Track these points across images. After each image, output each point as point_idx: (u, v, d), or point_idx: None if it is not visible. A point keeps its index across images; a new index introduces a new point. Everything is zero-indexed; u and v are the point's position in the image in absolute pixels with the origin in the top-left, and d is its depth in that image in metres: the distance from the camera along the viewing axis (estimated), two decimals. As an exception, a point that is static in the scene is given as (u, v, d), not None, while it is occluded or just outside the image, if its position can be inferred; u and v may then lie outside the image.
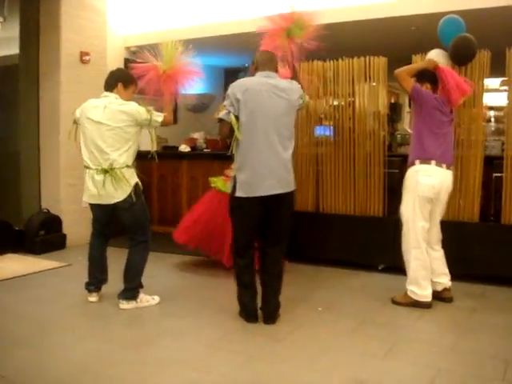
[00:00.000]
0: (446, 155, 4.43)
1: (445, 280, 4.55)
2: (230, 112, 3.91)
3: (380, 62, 5.48)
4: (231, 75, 10.15)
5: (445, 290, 4.54)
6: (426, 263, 4.41)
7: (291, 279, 4.16)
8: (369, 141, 5.59)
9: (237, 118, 3.90)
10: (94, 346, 3.71)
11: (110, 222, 4.62)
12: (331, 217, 5.78)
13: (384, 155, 5.54)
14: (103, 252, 4.68)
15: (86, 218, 4.62)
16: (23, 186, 7.12)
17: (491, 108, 7.67)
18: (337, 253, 5.71)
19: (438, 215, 4.51)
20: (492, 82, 6.50)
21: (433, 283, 4.53)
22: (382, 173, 5.54)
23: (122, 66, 6.89)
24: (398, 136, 7.82)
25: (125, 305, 4.43)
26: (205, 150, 7.71)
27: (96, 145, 4.29)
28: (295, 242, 5.00)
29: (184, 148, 7.52)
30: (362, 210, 5.66)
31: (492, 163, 5.24)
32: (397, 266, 4.64)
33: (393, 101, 11.91)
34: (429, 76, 4.51)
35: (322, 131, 5.89)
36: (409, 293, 4.44)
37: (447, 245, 4.59)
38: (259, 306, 4.10)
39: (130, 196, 4.31)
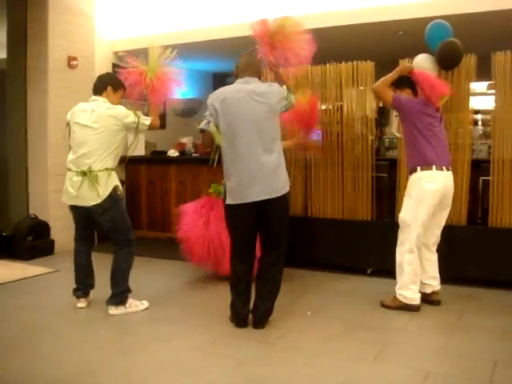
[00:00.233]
0: (444, 156, 4.45)
1: (435, 283, 4.57)
2: (209, 122, 3.95)
3: (367, 67, 5.51)
4: (220, 80, 10.16)
5: (433, 293, 4.56)
6: (418, 268, 4.43)
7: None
8: (357, 145, 5.61)
9: (217, 127, 3.93)
10: (83, 352, 3.69)
11: (88, 225, 4.60)
12: (320, 221, 5.79)
13: (372, 159, 5.56)
14: (88, 257, 4.66)
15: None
16: (11, 192, 7.09)
17: (478, 112, 7.71)
18: (325, 257, 5.72)
19: (443, 218, 4.54)
20: (478, 86, 6.53)
21: (422, 285, 4.55)
22: (370, 177, 5.56)
23: (109, 70, 6.87)
24: (386, 140, 7.83)
25: (113, 310, 4.41)
26: (193, 155, 7.70)
27: (80, 148, 4.31)
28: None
29: (173, 153, 7.51)
30: (351, 214, 5.67)
31: (479, 166, 5.27)
32: (385, 270, 4.66)
33: (381, 105, 11.93)
34: (407, 82, 4.55)
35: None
36: (398, 296, 4.45)
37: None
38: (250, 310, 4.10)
39: (106, 200, 4.29)
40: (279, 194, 3.91)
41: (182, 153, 7.66)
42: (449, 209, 4.54)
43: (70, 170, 4.39)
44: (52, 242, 6.70)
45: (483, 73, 5.10)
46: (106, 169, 4.31)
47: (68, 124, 4.53)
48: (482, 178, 5.30)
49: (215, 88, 10.16)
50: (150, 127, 4.51)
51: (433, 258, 4.58)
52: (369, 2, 6.05)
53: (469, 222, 5.24)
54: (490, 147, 5.49)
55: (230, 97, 3.93)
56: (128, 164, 6.84)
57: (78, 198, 4.34)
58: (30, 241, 6.46)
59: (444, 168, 4.41)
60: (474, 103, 5.61)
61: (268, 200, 3.87)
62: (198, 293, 5.10)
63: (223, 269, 4.97)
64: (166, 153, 7.63)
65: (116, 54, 7.71)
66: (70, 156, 4.40)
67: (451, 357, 3.57)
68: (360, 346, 3.76)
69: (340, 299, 4.83)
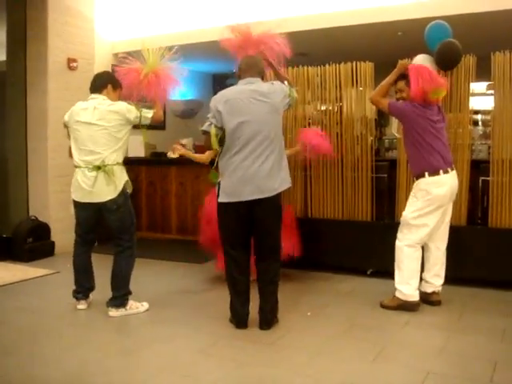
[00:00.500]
0: (447, 157, 4.46)
1: (437, 282, 4.57)
2: (211, 124, 3.97)
3: (367, 67, 5.51)
4: (219, 81, 10.19)
5: (433, 293, 4.57)
6: (418, 264, 4.44)
7: (280, 284, 4.16)
8: (357, 146, 5.61)
9: (220, 129, 3.94)
10: (83, 354, 3.69)
11: (95, 227, 4.60)
12: (320, 221, 5.79)
13: (372, 160, 5.56)
14: (88, 259, 4.66)
15: (74, 225, 4.60)
16: (11, 193, 7.09)
17: (477, 112, 7.72)
18: (325, 257, 5.71)
19: (449, 214, 4.56)
20: (478, 86, 6.54)
21: (424, 284, 4.56)
22: (369, 177, 5.56)
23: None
24: (386, 141, 7.86)
25: (114, 312, 4.41)
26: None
27: (87, 146, 4.31)
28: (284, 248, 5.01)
29: (171, 154, 7.49)
30: (351, 215, 5.67)
31: (479, 167, 5.27)
32: (385, 271, 4.66)
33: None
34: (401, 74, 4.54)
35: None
36: (397, 293, 4.46)
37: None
38: (257, 311, 4.10)
39: (120, 195, 4.32)
40: (272, 194, 3.92)
41: (182, 154, 7.64)
42: (452, 203, 4.56)
43: (79, 166, 4.37)
44: (52, 244, 6.70)
45: (483, 73, 5.10)
46: (118, 163, 4.35)
47: (66, 125, 4.53)
48: (481, 178, 5.30)
49: (215, 89, 10.25)
50: (153, 120, 4.53)
51: (440, 254, 4.58)
52: (368, 3, 6.06)
53: (469, 222, 5.24)
54: (489, 147, 5.50)
55: (233, 98, 3.95)
56: (128, 165, 6.87)
57: (92, 194, 4.33)
58: (30, 242, 6.46)
59: (449, 170, 4.43)
60: (474, 103, 5.61)
61: (261, 199, 3.88)
62: (199, 294, 5.11)
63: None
64: (165, 154, 7.61)
65: (116, 55, 7.71)
66: (76, 154, 4.39)
67: (451, 357, 3.57)
68: (360, 345, 3.76)
69: (340, 299, 4.83)
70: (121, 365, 3.50)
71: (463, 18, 5.45)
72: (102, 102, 4.36)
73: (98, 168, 4.28)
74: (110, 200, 4.31)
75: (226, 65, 8.74)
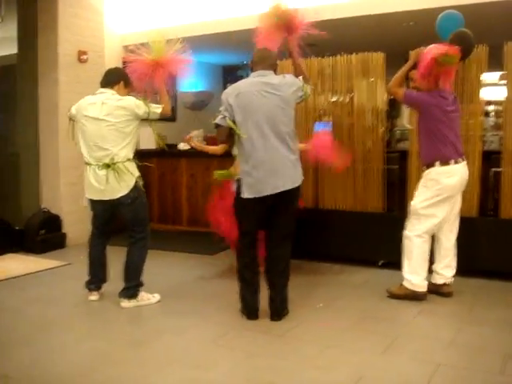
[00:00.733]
0: (458, 147, 4.45)
1: (448, 274, 4.56)
2: (225, 117, 3.96)
3: (378, 58, 5.48)
4: (229, 72, 10.16)
5: (445, 284, 4.55)
6: (427, 254, 4.45)
7: (290, 276, 4.16)
8: (368, 137, 5.59)
9: (233, 122, 3.94)
10: (95, 344, 3.72)
11: (111, 219, 4.63)
12: (331, 213, 5.79)
13: (383, 151, 5.54)
14: (103, 251, 4.68)
15: (86, 217, 4.64)
16: (23, 186, 7.13)
17: (489, 102, 7.65)
18: (336, 249, 5.71)
19: (459, 205, 4.54)
20: (490, 77, 6.48)
21: (434, 275, 4.55)
22: (381, 169, 5.55)
23: (120, 64, 6.87)
24: (397, 132, 7.81)
25: (126, 303, 4.44)
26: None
27: (95, 141, 4.31)
28: (294, 239, 5.00)
29: (183, 146, 7.51)
30: (362, 206, 5.66)
31: (490, 158, 5.24)
32: (397, 262, 4.64)
33: (392, 96, 11.89)
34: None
35: (321, 128, 5.87)
36: (405, 283, 4.46)
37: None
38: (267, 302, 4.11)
39: (132, 190, 4.33)
40: (293, 186, 3.94)
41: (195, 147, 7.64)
42: (461, 193, 4.54)
43: (89, 163, 4.37)
44: (64, 236, 6.74)
45: (495, 63, 5.05)
46: (128, 159, 4.34)
47: (71, 118, 4.53)
48: (493, 169, 5.26)
49: (225, 81, 10.23)
50: (162, 114, 4.51)
51: (450, 246, 4.56)
52: (379, -7, 6.01)
53: (480, 213, 5.21)
54: (501, 138, 5.46)
55: (244, 91, 3.95)
56: (139, 157, 6.87)
57: (105, 192, 4.33)
58: (43, 234, 6.50)
59: (460, 160, 4.41)
60: (486, 94, 5.56)
61: (283, 192, 3.89)
62: (210, 285, 5.12)
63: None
64: (176, 146, 7.64)
65: (126, 47, 7.71)
66: (85, 150, 4.39)
67: (462, 349, 3.57)
68: (371, 337, 3.76)
69: (351, 291, 4.83)
70: (132, 355, 3.52)
71: (475, 7, 5.38)
72: (110, 97, 4.35)
73: (108, 166, 4.27)
74: (123, 196, 4.32)
75: (235, 56, 8.79)
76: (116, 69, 4.71)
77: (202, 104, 9.41)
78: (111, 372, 3.29)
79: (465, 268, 4.79)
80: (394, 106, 7.29)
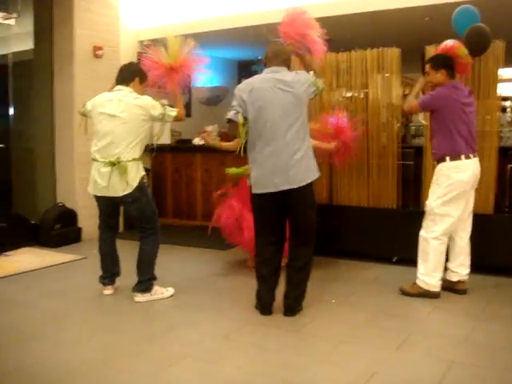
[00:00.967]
0: (472, 143, 4.41)
1: (463, 271, 4.53)
2: (238, 112, 3.95)
3: (393, 53, 5.44)
4: (244, 68, 10.17)
5: (459, 282, 4.53)
6: (443, 256, 4.42)
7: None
8: (383, 132, 5.57)
9: (245, 118, 3.94)
10: (109, 338, 3.75)
11: (115, 215, 4.67)
12: (345, 209, 5.78)
13: (398, 147, 5.52)
14: (113, 245, 4.70)
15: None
16: (38, 181, 7.19)
17: (506, 98, 7.59)
18: (350, 245, 5.71)
19: (472, 203, 4.51)
20: (507, 72, 6.42)
21: (450, 273, 4.53)
22: (395, 164, 5.52)
23: (135, 59, 6.90)
24: (412, 127, 7.76)
25: (139, 297, 4.46)
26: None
27: (108, 139, 4.31)
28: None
29: (198, 141, 7.52)
30: (376, 202, 5.64)
31: (507, 154, 5.20)
32: (411, 258, 4.63)
33: (407, 92, 11.83)
34: (443, 62, 4.46)
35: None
36: (418, 282, 4.44)
37: (461, 236, 4.58)
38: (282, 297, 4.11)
39: (135, 190, 4.33)
40: (302, 184, 3.90)
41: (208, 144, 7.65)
42: (474, 191, 4.51)
43: (95, 160, 4.39)
44: (79, 230, 6.79)
45: (512, 59, 5.02)
46: (134, 159, 4.33)
47: (85, 114, 4.55)
48: (509, 165, 5.22)
49: (239, 76, 10.22)
50: (176, 119, 4.53)
51: (464, 244, 4.53)
52: (395, -12, 5.98)
53: (496, 210, 5.17)
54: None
55: (257, 87, 3.94)
56: (154, 152, 6.89)
57: (107, 189, 4.35)
58: (58, 229, 6.55)
59: (471, 155, 4.37)
60: (502, 90, 5.51)
61: (290, 190, 3.88)
62: (224, 280, 5.13)
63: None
64: (191, 141, 7.65)
65: (141, 43, 7.74)
66: (95, 146, 4.41)
67: (476, 346, 3.55)
68: (384, 334, 3.75)
69: (365, 287, 4.82)
70: (146, 349, 3.53)
71: (492, 2, 5.33)
72: (127, 95, 4.35)
73: (112, 164, 4.27)
74: (125, 195, 4.33)
75: (250, 51, 8.78)
76: (130, 65, 4.68)
77: (216, 99, 9.41)
78: (124, 366, 3.31)
79: (480, 265, 4.77)
80: (409, 102, 7.25)
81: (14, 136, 7.12)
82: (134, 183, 4.32)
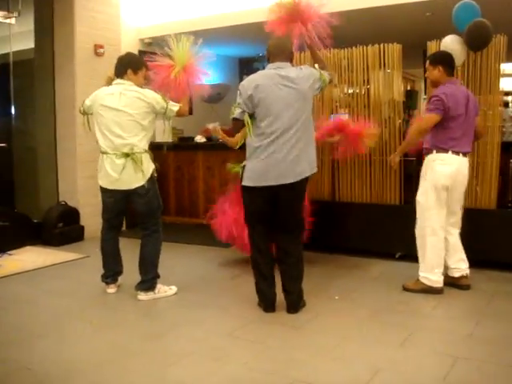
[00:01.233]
0: (464, 142, 4.38)
1: (463, 266, 4.52)
2: (244, 111, 3.95)
3: (395, 49, 5.43)
4: (245, 65, 10.14)
5: (462, 277, 4.52)
6: (441, 252, 4.41)
7: (307, 268, 4.16)
8: (384, 129, 5.56)
9: (250, 116, 3.94)
10: (113, 337, 3.75)
11: (122, 212, 4.65)
12: (348, 205, 5.77)
13: (400, 143, 5.50)
14: (116, 244, 4.70)
15: (101, 210, 4.65)
16: (41, 179, 7.20)
17: (508, 93, 7.57)
18: (353, 241, 5.71)
19: (455, 202, 4.48)
20: (509, 67, 6.40)
21: (451, 270, 4.52)
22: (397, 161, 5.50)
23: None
24: (414, 123, 7.75)
25: (143, 296, 4.46)
26: (220, 141, 7.68)
27: (112, 131, 4.30)
28: (312, 231, 5.01)
29: (200, 139, 7.53)
30: (379, 198, 5.64)
31: (509, 149, 5.19)
32: (414, 254, 4.62)
33: (408, 88, 11.83)
34: (440, 58, 4.45)
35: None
36: (421, 279, 4.45)
37: (464, 232, 4.58)
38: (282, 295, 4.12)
39: (148, 181, 4.34)
40: (298, 179, 3.91)
41: (209, 139, 7.66)
42: (460, 193, 4.49)
43: (105, 152, 4.36)
44: (82, 228, 6.80)
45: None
46: (145, 150, 4.36)
47: (86, 112, 4.54)
48: (511, 160, 5.21)
49: (241, 73, 10.19)
50: (178, 114, 4.51)
51: (455, 239, 4.54)
52: (396, -17, 5.96)
53: (499, 205, 5.16)
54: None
55: (262, 83, 3.91)
56: (155, 150, 6.87)
57: (120, 182, 4.34)
58: (61, 227, 6.56)
59: (460, 154, 4.35)
60: (504, 85, 5.50)
61: (285, 184, 3.89)
62: (227, 278, 5.13)
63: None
64: (193, 139, 7.65)
65: (142, 40, 7.74)
66: (102, 140, 4.38)
67: (480, 342, 3.54)
68: (388, 330, 3.75)
69: (368, 284, 4.82)
70: (150, 348, 3.54)
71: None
72: (128, 88, 4.34)
73: (127, 155, 4.27)
74: (139, 187, 4.33)
75: (251, 48, 8.76)
76: (123, 57, 4.57)
77: (218, 97, 9.39)
78: (128, 364, 3.31)
79: (483, 260, 4.76)
80: (410, 98, 7.26)
81: (16, 135, 7.11)
82: (148, 174, 4.34)
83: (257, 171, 3.93)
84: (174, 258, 5.55)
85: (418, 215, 4.48)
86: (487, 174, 5.04)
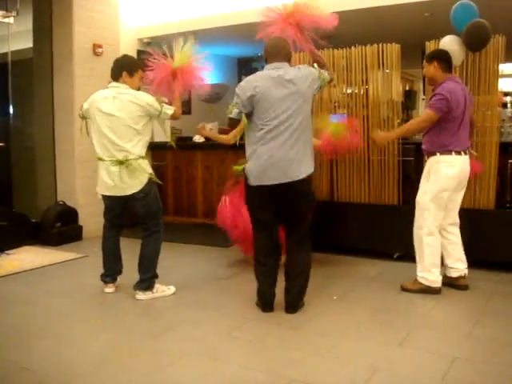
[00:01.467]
0: (464, 140, 4.39)
1: (461, 266, 4.52)
2: (241, 112, 3.96)
3: (393, 49, 5.43)
4: (244, 65, 10.15)
5: (460, 277, 4.52)
6: (438, 251, 4.42)
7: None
8: (383, 129, 5.55)
9: (247, 116, 3.94)
10: (111, 336, 3.75)
11: (123, 213, 4.64)
12: (346, 205, 5.77)
13: (398, 143, 5.51)
14: (117, 243, 4.70)
15: (102, 210, 4.64)
16: (39, 179, 7.19)
17: (507, 94, 7.58)
18: (352, 241, 5.71)
19: (459, 200, 4.50)
20: (507, 68, 6.42)
21: (448, 269, 4.53)
22: (396, 161, 5.51)
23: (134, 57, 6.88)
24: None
25: (141, 295, 4.46)
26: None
27: (107, 137, 4.28)
28: (310, 231, 5.00)
29: (198, 138, 7.53)
30: (377, 199, 5.64)
31: (507, 149, 5.19)
32: (412, 255, 4.63)
33: (407, 88, 11.83)
34: (434, 54, 4.45)
35: (336, 120, 5.85)
36: (419, 279, 4.45)
37: (463, 232, 4.57)
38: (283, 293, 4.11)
39: (145, 186, 4.33)
40: (295, 180, 3.89)
41: (208, 138, 7.66)
42: (464, 190, 4.50)
43: (101, 159, 4.35)
44: (80, 228, 6.79)
45: (512, 54, 5.01)
46: (141, 157, 4.32)
47: (84, 115, 4.49)
48: (510, 161, 5.22)
49: (239, 73, 10.19)
50: (172, 117, 4.50)
51: (454, 239, 4.54)
52: (394, -16, 5.96)
53: (497, 205, 5.17)
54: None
55: (261, 84, 3.90)
56: (154, 150, 6.90)
57: (116, 188, 4.34)
58: (59, 227, 6.55)
59: (462, 153, 4.36)
60: (503, 85, 5.51)
61: (285, 185, 3.88)
62: (225, 277, 5.13)
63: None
64: (191, 139, 7.65)
65: (141, 40, 7.73)
66: (98, 146, 4.36)
67: (478, 342, 3.54)
68: (386, 330, 3.75)
69: (366, 284, 4.82)
70: (148, 347, 3.53)
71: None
72: (122, 91, 4.30)
73: (121, 163, 4.25)
74: (135, 192, 4.32)
75: (250, 48, 8.74)
76: (118, 59, 4.54)
77: (216, 96, 9.39)
78: (126, 363, 3.31)
79: (481, 260, 4.76)
80: (409, 98, 7.26)
81: (14, 134, 7.10)
82: (145, 180, 4.32)
83: (256, 171, 3.93)
84: (172, 258, 5.55)
85: (416, 215, 4.48)
86: (486, 174, 5.04)
